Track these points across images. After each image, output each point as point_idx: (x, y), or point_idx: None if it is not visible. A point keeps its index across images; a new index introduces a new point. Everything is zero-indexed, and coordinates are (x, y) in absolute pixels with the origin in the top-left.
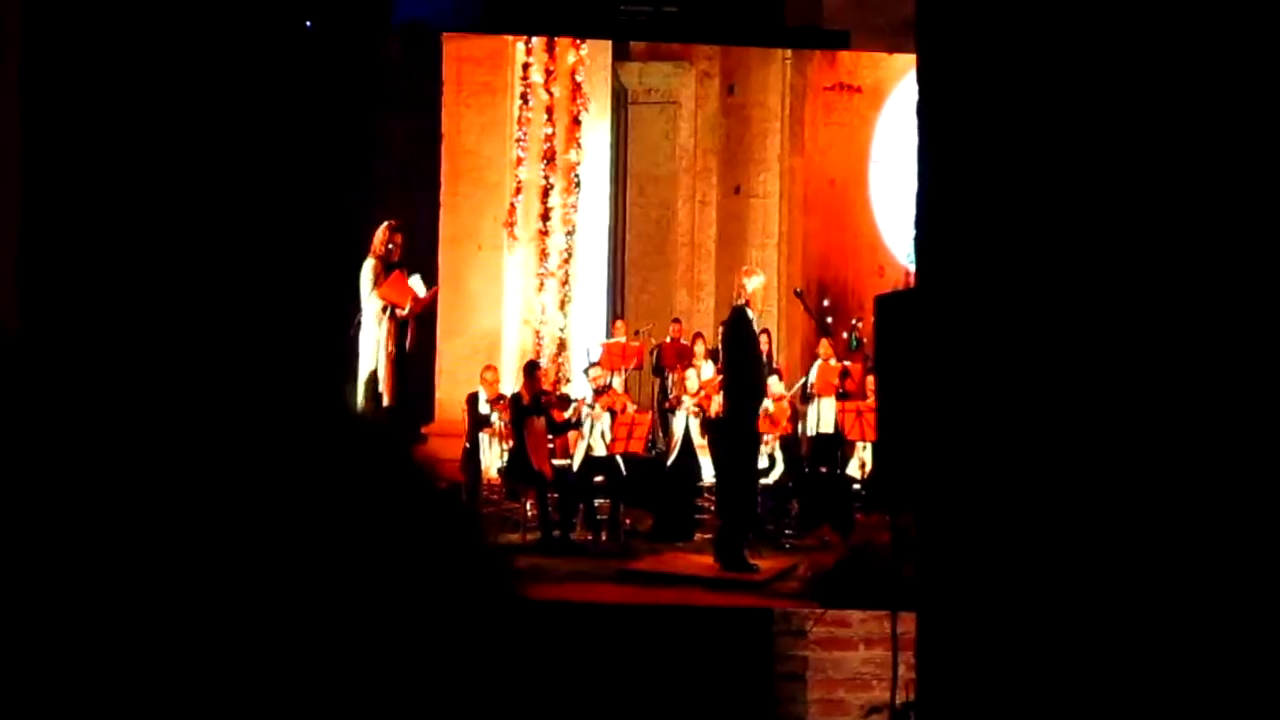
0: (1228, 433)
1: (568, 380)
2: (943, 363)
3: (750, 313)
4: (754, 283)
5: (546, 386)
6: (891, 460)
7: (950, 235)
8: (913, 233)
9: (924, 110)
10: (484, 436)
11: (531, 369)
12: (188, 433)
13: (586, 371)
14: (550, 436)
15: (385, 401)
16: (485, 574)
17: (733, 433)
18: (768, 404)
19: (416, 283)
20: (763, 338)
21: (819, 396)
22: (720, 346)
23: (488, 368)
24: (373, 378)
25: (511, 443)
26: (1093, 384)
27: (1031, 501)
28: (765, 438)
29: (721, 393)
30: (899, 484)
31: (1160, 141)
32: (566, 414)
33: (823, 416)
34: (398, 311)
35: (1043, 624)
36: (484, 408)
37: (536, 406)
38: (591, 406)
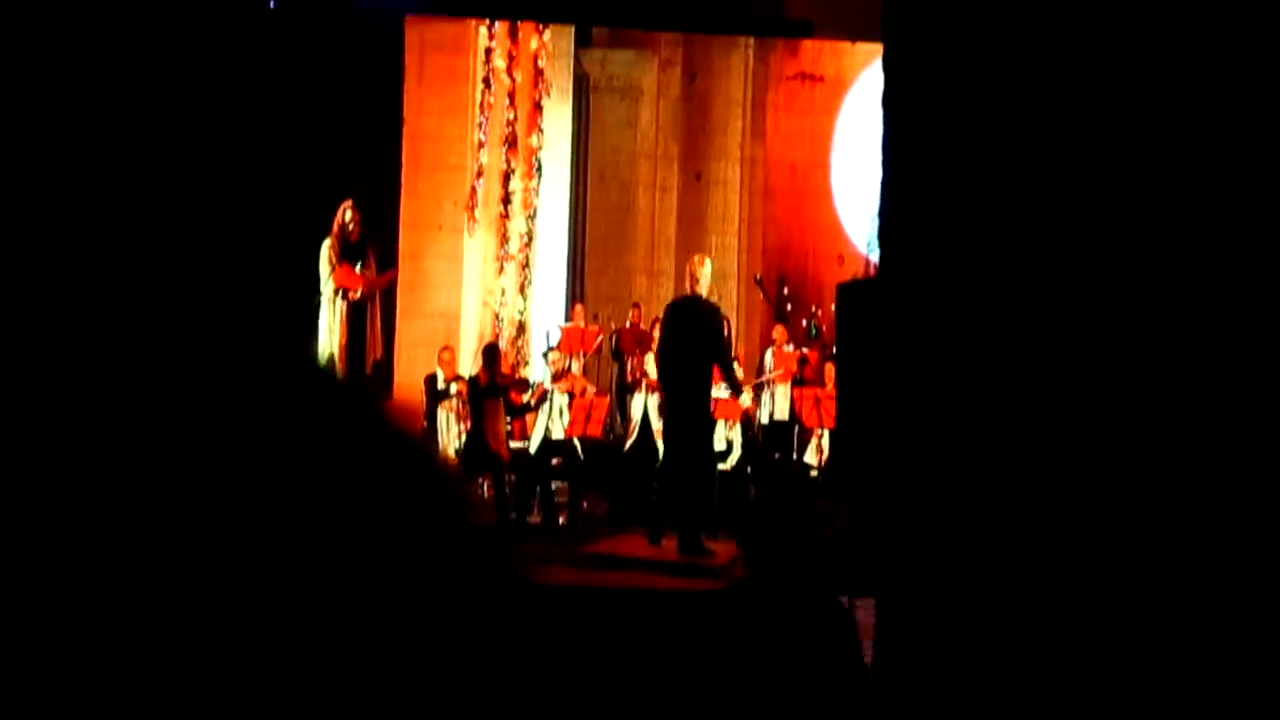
0: (1178, 421)
1: (526, 363)
2: (903, 351)
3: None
4: (705, 271)
5: (505, 370)
6: (850, 447)
7: (913, 225)
8: (874, 222)
9: (889, 100)
10: (442, 416)
11: (491, 352)
12: (160, 409)
13: (546, 355)
14: (508, 419)
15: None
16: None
17: (687, 419)
18: (721, 391)
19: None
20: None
21: (775, 383)
22: (667, 332)
23: (445, 348)
24: (330, 359)
25: (469, 424)
26: (1051, 372)
27: (990, 488)
28: (727, 423)
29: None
30: (857, 470)
31: (1121, 134)
32: (525, 397)
33: (778, 403)
34: (349, 295)
35: (1000, 609)
36: (441, 387)
37: (495, 389)
38: (550, 392)
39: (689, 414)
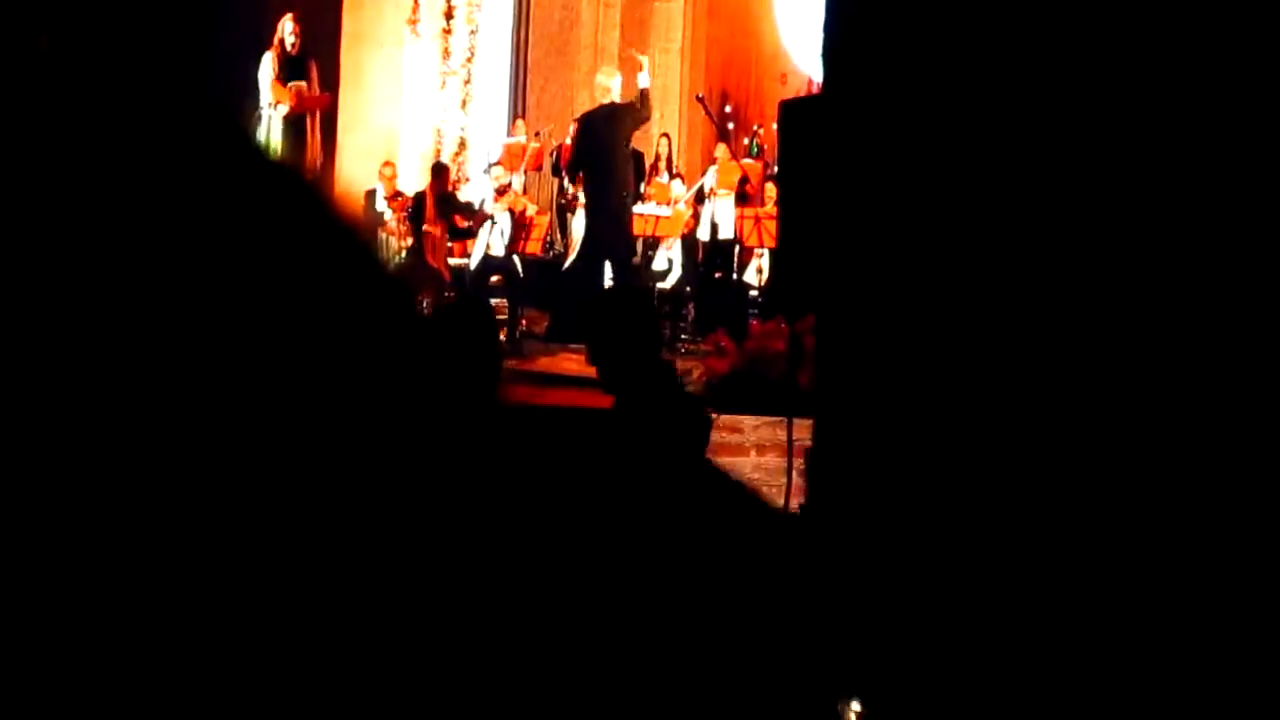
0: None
1: (467, 180)
2: (846, 170)
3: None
4: (611, 83)
5: (449, 187)
6: (791, 266)
7: (859, 42)
8: (820, 39)
9: None
10: (380, 234)
11: (439, 170)
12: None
13: (488, 171)
14: (450, 240)
15: None
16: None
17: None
18: (665, 209)
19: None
20: (662, 141)
21: (716, 196)
22: (585, 142)
23: (386, 164)
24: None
25: (410, 241)
26: (998, 191)
27: (930, 309)
28: (668, 241)
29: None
30: (798, 290)
31: None
32: (468, 223)
33: (720, 222)
34: (290, 111)
35: (936, 430)
36: (381, 204)
37: (441, 210)
38: (492, 217)
39: (613, 223)
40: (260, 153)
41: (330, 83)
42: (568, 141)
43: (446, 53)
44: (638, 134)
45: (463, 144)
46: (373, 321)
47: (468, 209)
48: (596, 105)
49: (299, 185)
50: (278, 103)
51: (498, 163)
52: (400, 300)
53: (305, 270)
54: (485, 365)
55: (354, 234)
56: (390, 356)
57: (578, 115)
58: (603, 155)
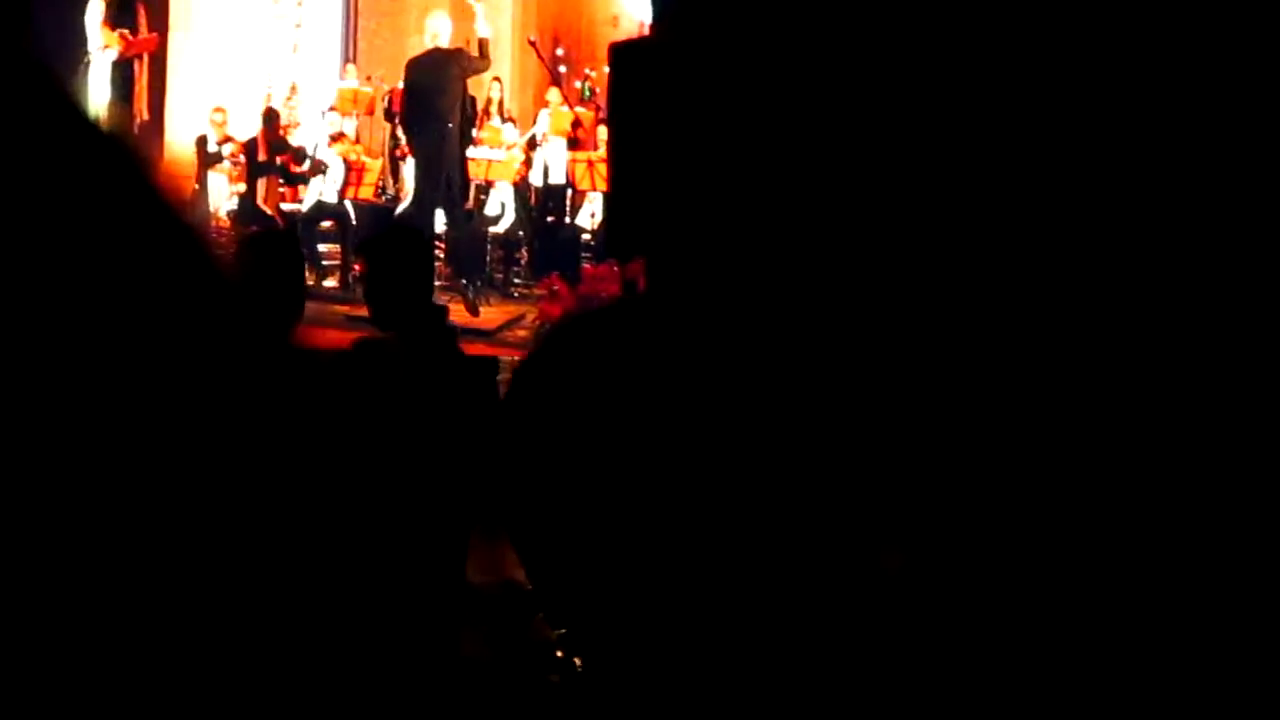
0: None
1: (298, 125)
2: (676, 111)
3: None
4: (438, 24)
5: (281, 131)
6: (622, 209)
7: None
8: None
9: None
10: (213, 178)
11: (271, 117)
12: None
13: (322, 117)
14: (282, 184)
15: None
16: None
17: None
18: (498, 153)
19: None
20: (494, 85)
21: (548, 141)
22: (418, 88)
23: (216, 109)
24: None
25: (243, 186)
26: (829, 136)
27: (760, 250)
28: (498, 185)
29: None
30: (629, 234)
31: None
32: (301, 168)
33: (552, 166)
34: (111, 54)
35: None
36: (212, 148)
37: (272, 159)
38: (324, 164)
39: (442, 170)
40: (81, 118)
41: (159, 26)
42: (399, 86)
43: None
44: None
45: (294, 89)
46: (174, 287)
47: (299, 153)
48: (425, 50)
49: (119, 155)
50: (106, 47)
51: (331, 108)
52: (201, 259)
53: (116, 237)
54: (285, 298)
55: (169, 208)
56: (187, 312)
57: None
58: (429, 101)
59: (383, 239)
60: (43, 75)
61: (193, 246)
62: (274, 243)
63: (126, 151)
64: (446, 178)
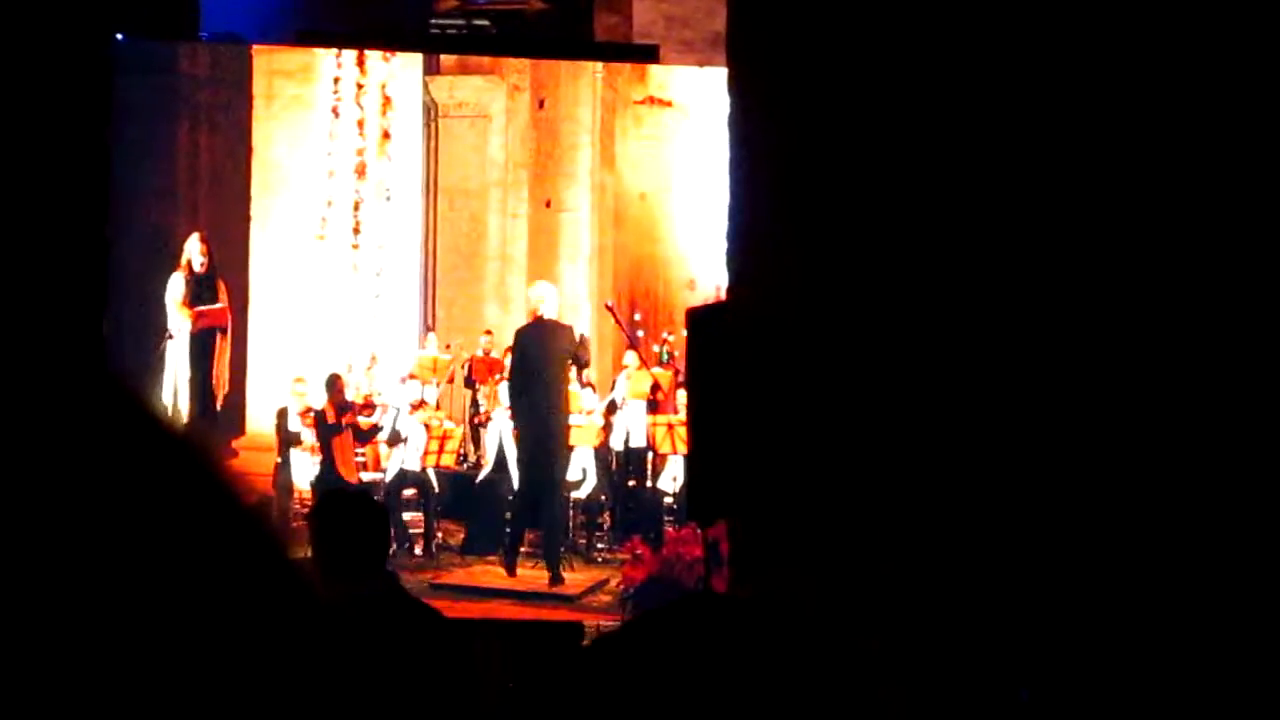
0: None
1: (378, 394)
2: (754, 374)
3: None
4: (539, 294)
5: (357, 398)
6: (703, 473)
7: (762, 247)
8: (724, 246)
9: (735, 123)
10: (295, 454)
11: (332, 381)
12: None
13: (402, 383)
14: (359, 448)
15: (186, 417)
16: (288, 585)
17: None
18: (578, 418)
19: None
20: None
21: (627, 404)
22: (525, 357)
23: (297, 379)
24: (177, 392)
25: (322, 456)
26: (906, 387)
27: (845, 510)
28: (579, 450)
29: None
30: (711, 496)
31: (972, 153)
32: (373, 418)
33: (633, 430)
34: (190, 329)
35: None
36: (294, 421)
37: (339, 416)
38: (403, 436)
39: (541, 441)
40: (149, 420)
41: (239, 300)
42: (478, 354)
43: (355, 267)
44: None
45: (374, 359)
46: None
47: (366, 408)
48: (532, 319)
49: (185, 456)
50: (184, 323)
51: (410, 376)
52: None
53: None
54: (362, 557)
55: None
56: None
57: (486, 328)
58: (538, 369)
59: (327, 503)
60: (110, 384)
61: (261, 542)
62: (349, 503)
63: (193, 452)
64: (544, 446)
